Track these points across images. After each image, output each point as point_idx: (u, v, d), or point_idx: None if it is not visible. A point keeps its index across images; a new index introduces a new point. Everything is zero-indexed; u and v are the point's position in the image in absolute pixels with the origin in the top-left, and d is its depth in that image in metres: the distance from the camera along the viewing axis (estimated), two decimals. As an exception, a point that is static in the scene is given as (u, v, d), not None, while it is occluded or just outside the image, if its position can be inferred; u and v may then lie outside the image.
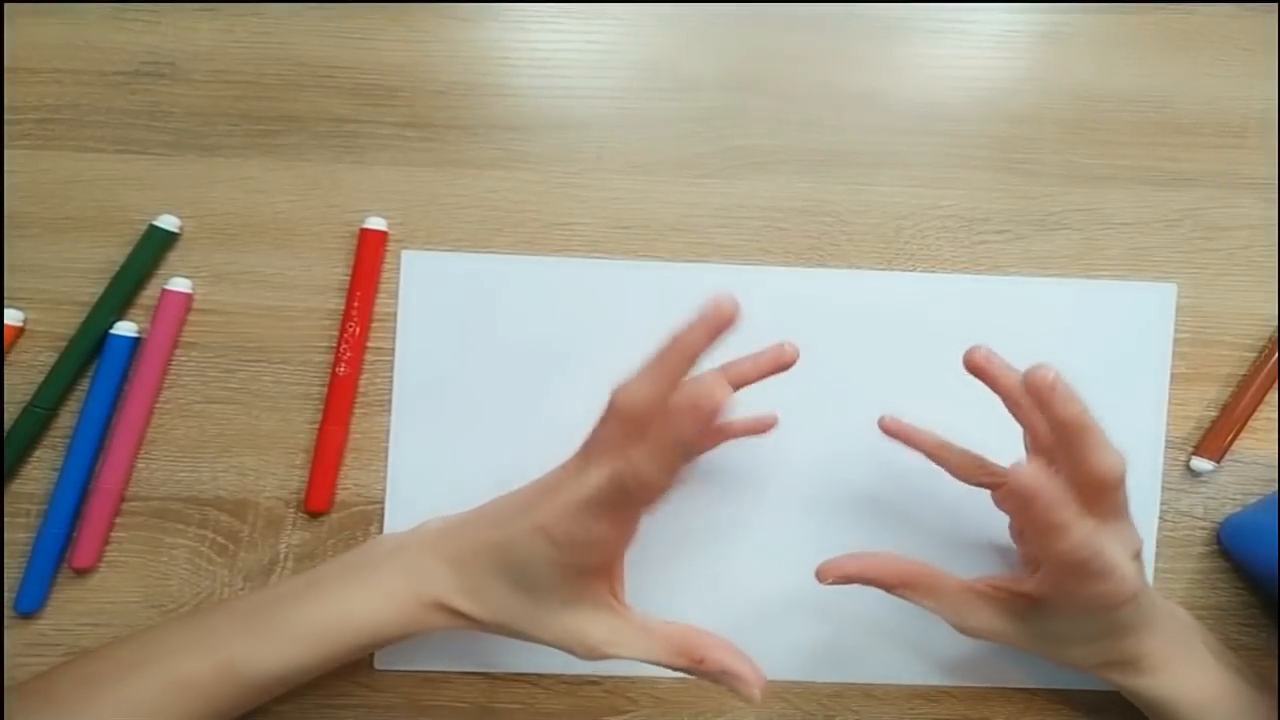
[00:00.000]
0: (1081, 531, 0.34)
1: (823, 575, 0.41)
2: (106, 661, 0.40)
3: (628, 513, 0.37)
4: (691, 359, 0.36)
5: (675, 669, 0.39)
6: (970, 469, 0.43)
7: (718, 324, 0.35)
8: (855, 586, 0.41)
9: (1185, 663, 0.40)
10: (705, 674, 0.39)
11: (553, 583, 0.38)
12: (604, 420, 0.37)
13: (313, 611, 0.39)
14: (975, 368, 0.40)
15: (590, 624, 0.38)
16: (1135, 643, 0.39)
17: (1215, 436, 0.47)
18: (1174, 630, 0.41)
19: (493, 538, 0.39)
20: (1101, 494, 0.37)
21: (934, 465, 0.46)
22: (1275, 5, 0.49)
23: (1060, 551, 0.35)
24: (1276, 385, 0.48)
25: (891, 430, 0.44)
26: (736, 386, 0.40)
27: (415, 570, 0.40)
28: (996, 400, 0.47)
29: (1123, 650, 0.40)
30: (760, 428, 0.45)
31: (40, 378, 0.45)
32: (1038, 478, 0.33)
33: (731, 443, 0.47)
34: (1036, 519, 0.34)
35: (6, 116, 0.47)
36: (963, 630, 0.41)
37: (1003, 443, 0.47)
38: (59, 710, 0.38)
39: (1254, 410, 0.47)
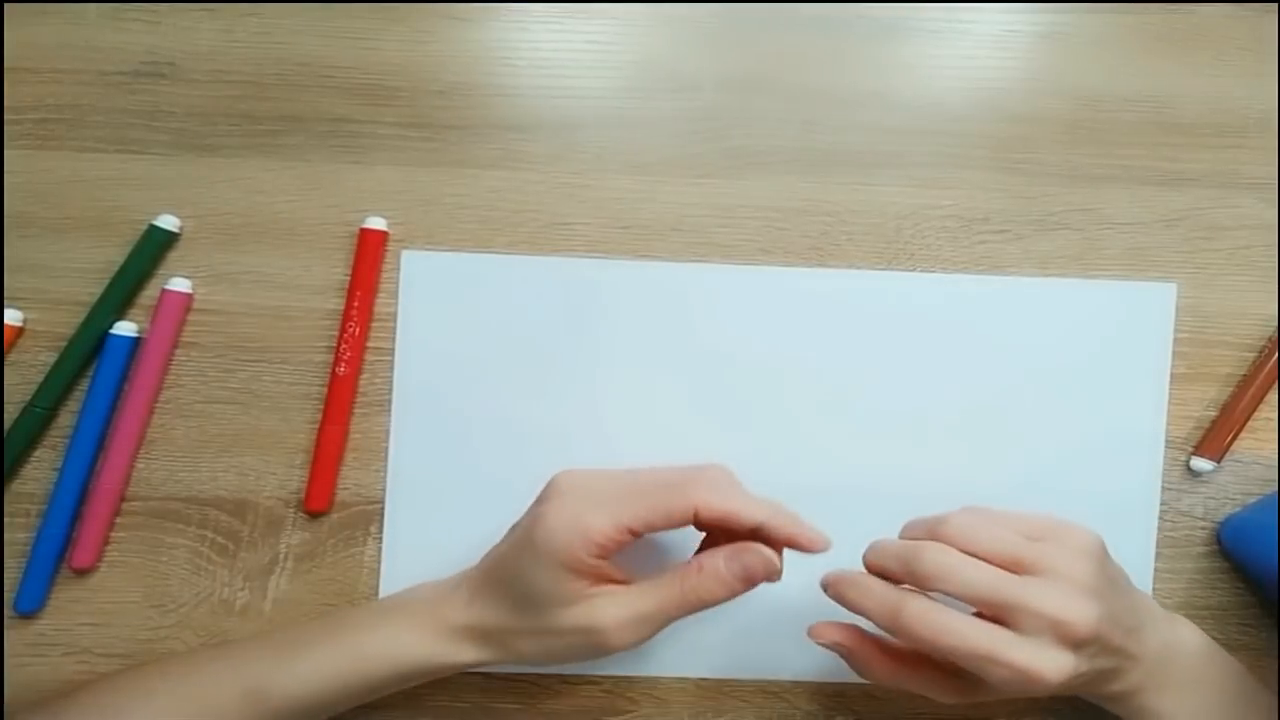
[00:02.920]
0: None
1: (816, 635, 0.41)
2: (130, 689, 0.40)
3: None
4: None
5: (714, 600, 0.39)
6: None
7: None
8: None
9: (1159, 689, 0.40)
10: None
11: (545, 585, 0.38)
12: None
13: (343, 641, 0.40)
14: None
15: (598, 611, 0.38)
16: (1111, 687, 0.39)
17: (1215, 436, 0.47)
18: (1165, 654, 0.40)
19: (497, 552, 0.40)
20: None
21: (936, 464, 0.46)
22: (1275, 5, 0.49)
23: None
24: (1276, 385, 0.48)
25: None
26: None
27: (446, 603, 0.41)
28: (993, 403, 0.47)
29: (1096, 694, 0.40)
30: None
31: (40, 378, 0.45)
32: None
33: (731, 444, 0.47)
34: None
35: (6, 116, 0.47)
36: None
37: (999, 443, 0.47)
38: None
39: (1254, 410, 0.47)
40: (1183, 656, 0.41)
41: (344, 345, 0.46)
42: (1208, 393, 0.48)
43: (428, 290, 0.47)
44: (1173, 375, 0.48)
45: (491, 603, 0.40)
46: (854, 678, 0.46)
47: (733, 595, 0.38)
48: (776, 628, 0.46)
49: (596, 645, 0.38)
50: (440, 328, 0.47)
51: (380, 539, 0.46)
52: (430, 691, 0.46)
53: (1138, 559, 0.47)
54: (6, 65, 0.47)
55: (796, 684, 0.47)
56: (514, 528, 0.41)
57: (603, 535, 0.37)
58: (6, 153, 0.47)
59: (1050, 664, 0.35)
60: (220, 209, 0.47)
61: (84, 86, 0.47)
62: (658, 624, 0.39)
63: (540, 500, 0.40)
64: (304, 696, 0.39)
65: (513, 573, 0.39)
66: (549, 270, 0.47)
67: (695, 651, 0.46)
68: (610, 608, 0.38)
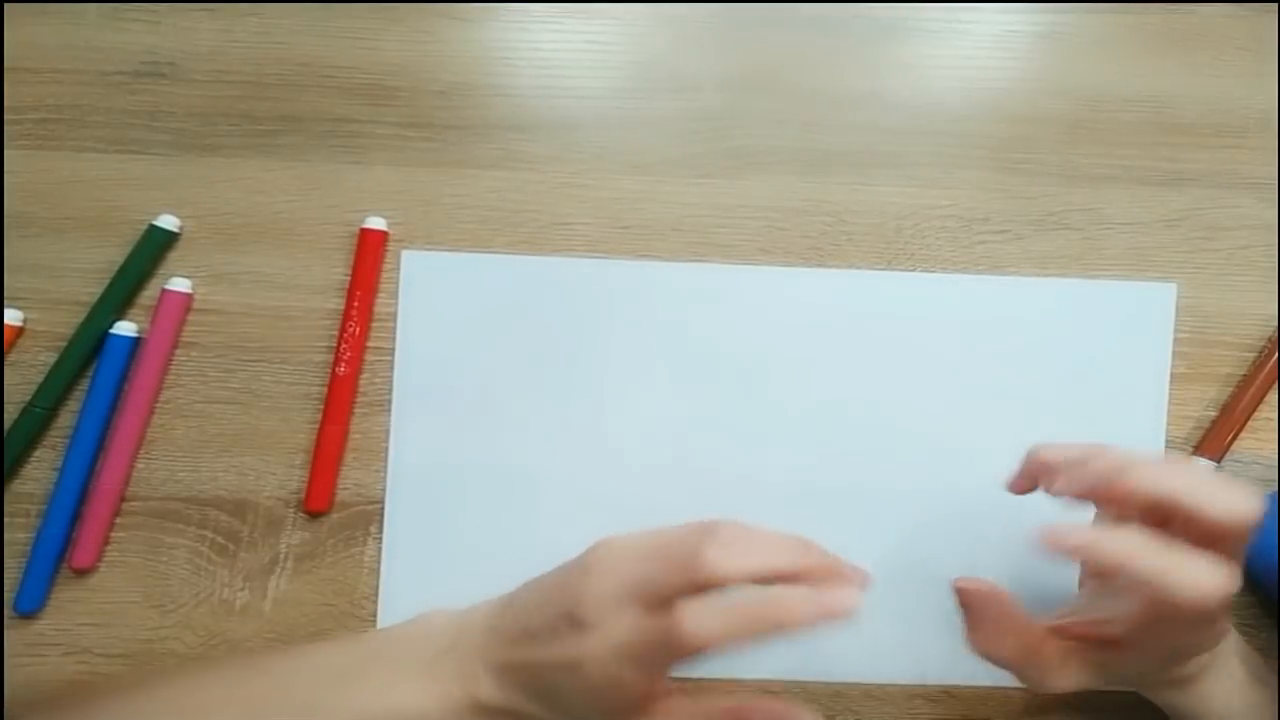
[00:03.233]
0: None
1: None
2: (137, 711, 0.39)
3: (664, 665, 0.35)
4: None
5: None
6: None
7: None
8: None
9: (1216, 674, 0.40)
10: None
11: (584, 711, 0.37)
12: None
13: (366, 697, 0.38)
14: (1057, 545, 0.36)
15: None
16: (1187, 667, 0.39)
17: (1215, 436, 0.47)
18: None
19: (528, 658, 0.37)
20: (1225, 539, 0.36)
21: (936, 464, 0.46)
22: (1275, 5, 0.49)
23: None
24: (1276, 385, 0.48)
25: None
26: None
27: (470, 675, 0.38)
28: (993, 403, 0.47)
29: (1176, 674, 0.39)
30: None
31: (40, 378, 0.45)
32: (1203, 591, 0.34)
33: (730, 445, 0.47)
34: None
35: (6, 116, 0.47)
36: (1036, 687, 0.39)
37: (999, 443, 0.47)
38: None
39: (1254, 410, 0.47)
40: (1224, 642, 0.41)
41: (344, 345, 0.46)
42: (1208, 393, 0.48)
43: (428, 290, 0.47)
44: (1173, 375, 0.48)
45: (525, 697, 0.38)
46: (853, 678, 0.47)
47: None
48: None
49: None
50: (440, 328, 0.47)
51: (380, 539, 0.46)
52: (430, 691, 0.46)
53: (1138, 559, 0.47)
54: (6, 65, 0.47)
55: (797, 684, 0.47)
56: (538, 638, 0.37)
57: (637, 690, 0.36)
58: (6, 153, 0.47)
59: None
60: (220, 209, 0.47)
61: (84, 86, 0.47)
62: None
63: (573, 627, 0.36)
64: None
65: (551, 689, 0.37)
66: (549, 270, 0.47)
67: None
68: None
